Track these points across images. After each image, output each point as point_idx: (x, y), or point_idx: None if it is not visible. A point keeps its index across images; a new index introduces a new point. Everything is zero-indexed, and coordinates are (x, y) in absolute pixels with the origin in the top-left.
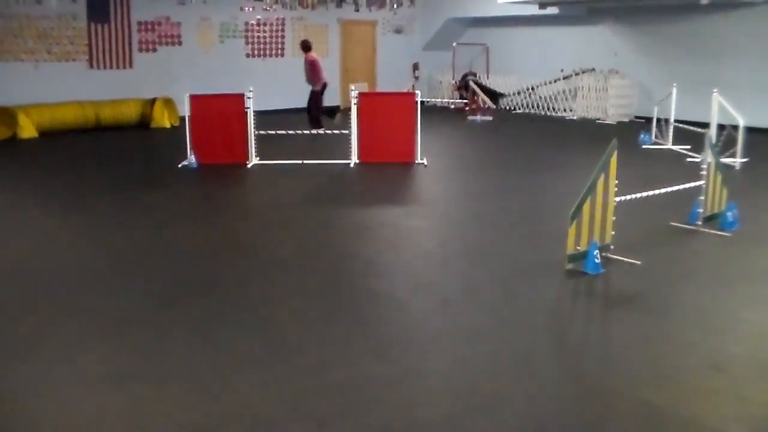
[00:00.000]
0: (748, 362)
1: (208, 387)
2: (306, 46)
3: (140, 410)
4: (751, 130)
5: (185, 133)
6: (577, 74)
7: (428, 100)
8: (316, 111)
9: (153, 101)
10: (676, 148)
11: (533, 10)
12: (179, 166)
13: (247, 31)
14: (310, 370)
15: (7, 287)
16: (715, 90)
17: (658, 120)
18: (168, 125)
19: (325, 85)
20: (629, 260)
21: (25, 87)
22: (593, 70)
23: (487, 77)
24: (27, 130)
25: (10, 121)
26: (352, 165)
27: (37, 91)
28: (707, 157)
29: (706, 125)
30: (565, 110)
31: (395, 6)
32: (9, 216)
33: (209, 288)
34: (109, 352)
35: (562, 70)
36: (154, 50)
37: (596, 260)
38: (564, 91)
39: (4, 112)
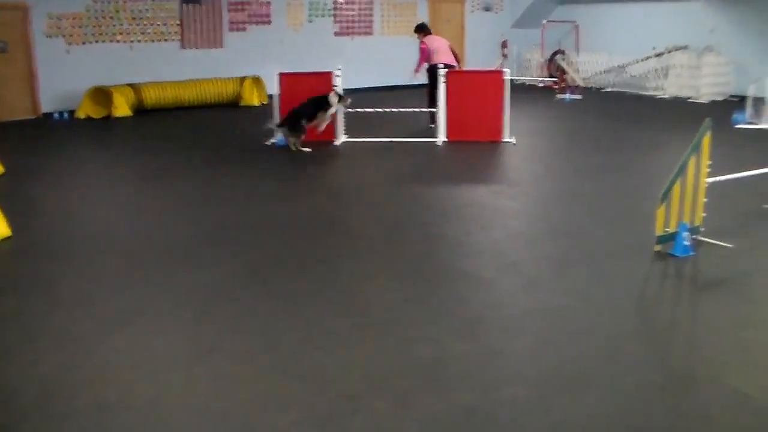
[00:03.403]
0: None
1: (293, 363)
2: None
3: (225, 384)
4: None
5: (274, 110)
6: (669, 52)
7: (517, 78)
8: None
9: (242, 80)
10: None
11: None
12: (268, 143)
13: (336, 9)
14: (395, 348)
15: (106, 260)
16: None
17: (754, 99)
18: (257, 103)
19: (431, 70)
20: (720, 243)
21: (121, 67)
22: (686, 47)
23: (578, 55)
24: (121, 109)
25: (105, 101)
26: (440, 143)
27: (132, 71)
28: None
29: None
30: (656, 89)
31: None
32: (104, 192)
33: (297, 265)
34: (197, 325)
35: (654, 48)
36: (245, 30)
37: (686, 242)
38: (656, 70)
39: (100, 92)
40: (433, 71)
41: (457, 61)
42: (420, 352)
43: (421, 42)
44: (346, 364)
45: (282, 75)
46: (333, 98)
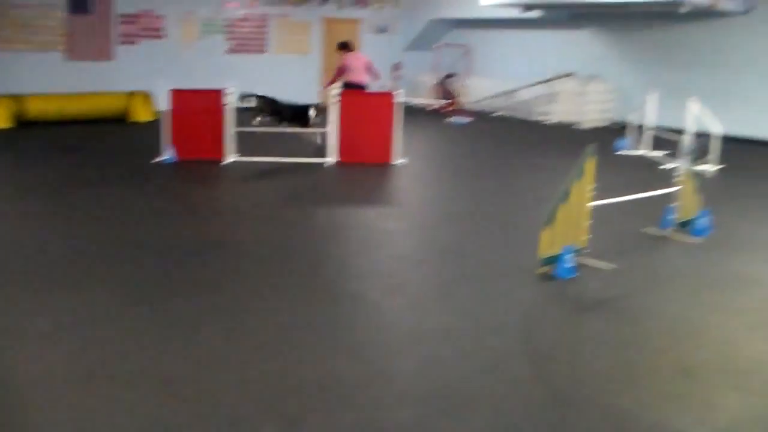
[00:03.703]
0: (716, 368)
1: (179, 386)
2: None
3: (109, 409)
4: (726, 139)
5: (163, 127)
6: (556, 79)
7: (409, 100)
8: None
9: (131, 95)
10: (651, 154)
11: (516, 13)
12: (155, 161)
13: (229, 26)
14: (282, 370)
15: None
16: (692, 98)
17: (635, 126)
18: (145, 119)
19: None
20: (602, 265)
21: (2, 77)
22: (573, 74)
23: (468, 79)
24: (2, 120)
25: None
26: (330, 164)
27: (14, 81)
28: (682, 164)
29: (682, 132)
30: (543, 114)
31: (379, 5)
32: None
33: (183, 286)
34: (78, 348)
35: (542, 75)
36: (135, 43)
37: (569, 264)
38: (543, 95)
39: None
40: (347, 89)
41: (377, 79)
42: (307, 374)
43: (341, 60)
44: (233, 387)
45: (173, 91)
46: (312, 113)
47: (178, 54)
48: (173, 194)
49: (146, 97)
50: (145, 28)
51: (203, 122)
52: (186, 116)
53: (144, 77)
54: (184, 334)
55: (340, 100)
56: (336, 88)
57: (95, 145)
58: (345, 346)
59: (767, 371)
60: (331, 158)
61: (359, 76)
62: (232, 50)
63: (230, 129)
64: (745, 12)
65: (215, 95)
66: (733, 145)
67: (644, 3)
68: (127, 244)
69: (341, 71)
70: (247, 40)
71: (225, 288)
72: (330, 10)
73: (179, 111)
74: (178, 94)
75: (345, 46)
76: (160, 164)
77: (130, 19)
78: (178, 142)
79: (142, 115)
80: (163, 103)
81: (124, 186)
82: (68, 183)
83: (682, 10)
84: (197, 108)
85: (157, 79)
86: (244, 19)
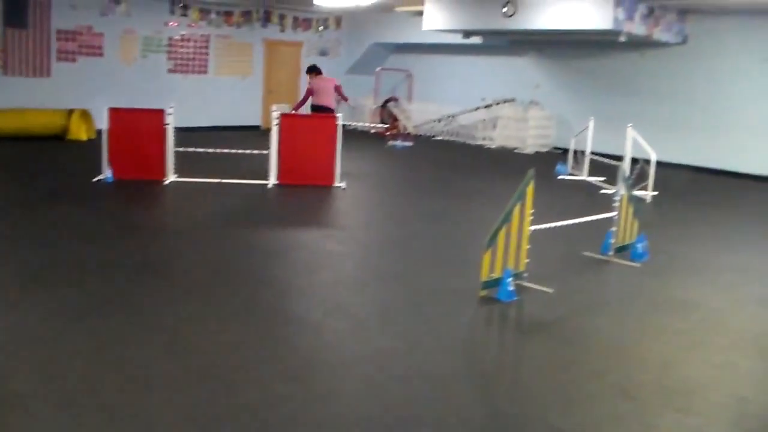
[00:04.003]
0: (654, 389)
1: (115, 408)
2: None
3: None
4: (662, 165)
5: (102, 146)
6: (497, 104)
7: (350, 123)
8: None
9: (70, 112)
10: (591, 179)
11: (457, 38)
12: (94, 180)
13: (170, 46)
14: (221, 392)
15: None
16: (629, 125)
17: (575, 152)
18: (84, 138)
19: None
20: (542, 288)
21: None
22: (514, 100)
23: (409, 103)
24: None
25: None
26: (270, 186)
27: None
28: (620, 190)
29: (620, 158)
30: (484, 139)
31: (321, 28)
32: None
33: (120, 306)
34: (12, 369)
35: (483, 99)
36: (74, 60)
37: (510, 288)
38: (484, 120)
39: None
40: (314, 111)
41: (344, 100)
42: (247, 396)
43: (309, 83)
44: (171, 409)
45: (111, 110)
46: None
47: (118, 72)
48: (112, 214)
49: (85, 114)
50: (83, 45)
51: (143, 142)
52: (126, 135)
53: (83, 95)
54: (121, 354)
55: (280, 122)
56: (299, 111)
57: (32, 163)
58: (286, 369)
59: (705, 392)
60: (272, 180)
61: (326, 99)
62: (174, 70)
63: (170, 149)
64: (683, 42)
65: (156, 115)
66: (669, 172)
67: (582, 32)
68: (64, 264)
69: (308, 94)
70: (189, 61)
71: (164, 309)
72: (272, 32)
73: (118, 130)
74: (117, 113)
75: (313, 69)
76: (99, 184)
77: (68, 35)
78: (117, 162)
79: (81, 133)
80: (103, 121)
81: (61, 205)
82: (2, 202)
83: (621, 39)
84: (137, 127)
85: (96, 97)
86: (186, 39)
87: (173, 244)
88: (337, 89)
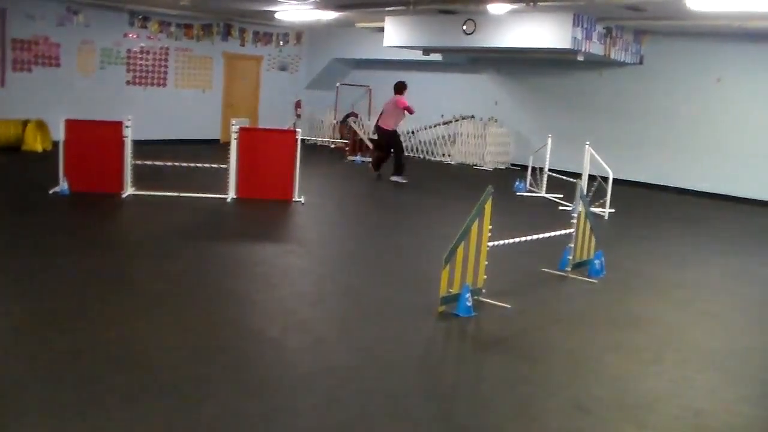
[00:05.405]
0: (611, 403)
1: (72, 425)
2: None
3: None
4: (619, 182)
5: (58, 158)
6: (457, 120)
7: (309, 138)
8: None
9: (25, 123)
10: (549, 196)
11: (417, 55)
12: (50, 192)
13: (129, 58)
14: (180, 407)
15: None
16: (587, 142)
17: (533, 169)
18: (40, 149)
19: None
20: (500, 304)
21: None
22: (473, 117)
23: (369, 119)
24: None
25: None
26: (229, 200)
27: None
28: (578, 206)
29: (577, 175)
30: (443, 155)
31: (281, 43)
32: None
33: (76, 321)
34: None
35: (442, 116)
36: (30, 70)
37: (468, 303)
38: (443, 137)
39: None
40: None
41: (410, 111)
42: (206, 412)
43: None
44: (128, 425)
45: (68, 121)
46: None
47: (75, 83)
48: (68, 227)
49: (41, 125)
50: (39, 55)
51: (101, 154)
52: (83, 147)
53: (39, 105)
54: (76, 370)
55: (239, 136)
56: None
57: None
58: (245, 384)
59: (661, 405)
60: (231, 194)
61: (385, 121)
62: (133, 82)
63: (128, 161)
64: (640, 62)
65: (114, 127)
66: (626, 189)
67: (541, 51)
68: (17, 278)
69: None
70: (148, 73)
71: (120, 325)
72: (232, 46)
73: (75, 142)
74: (74, 125)
75: (397, 88)
76: (54, 196)
77: (24, 44)
78: (74, 174)
79: (36, 144)
80: (60, 132)
81: (15, 218)
82: None
83: (579, 58)
84: (94, 139)
85: (53, 108)
86: (145, 52)
87: (130, 258)
88: (399, 104)
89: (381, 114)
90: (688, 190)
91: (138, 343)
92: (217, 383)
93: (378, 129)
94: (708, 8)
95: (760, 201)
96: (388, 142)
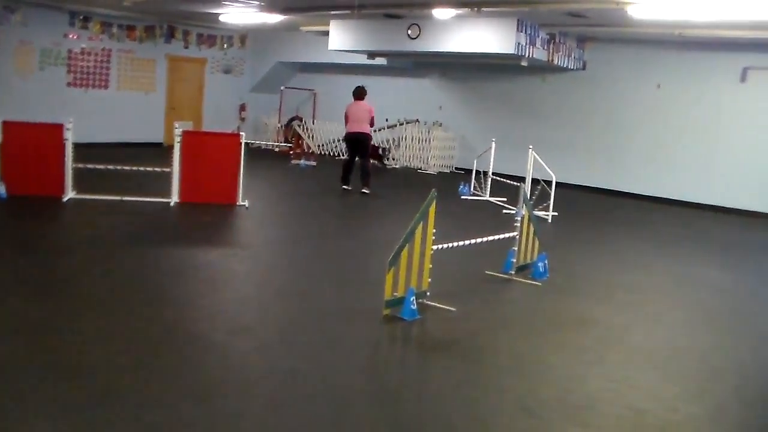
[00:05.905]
0: (557, 405)
1: None
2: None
3: None
4: (562, 186)
5: None
6: (401, 124)
7: (253, 142)
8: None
9: None
10: (493, 199)
11: (362, 59)
12: None
13: (70, 59)
14: (124, 414)
15: None
16: (530, 146)
17: (477, 172)
18: None
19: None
20: (445, 307)
21: None
22: (417, 121)
23: (313, 122)
24: None
25: None
26: (172, 204)
27: None
28: (521, 210)
29: (521, 179)
30: (388, 159)
31: (225, 46)
32: None
33: (12, 329)
34: None
35: (386, 120)
36: None
37: (413, 306)
38: (388, 140)
39: None
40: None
41: (371, 125)
42: (151, 418)
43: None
44: None
45: (5, 123)
46: None
47: (13, 84)
48: (5, 231)
49: None
50: None
51: (40, 157)
52: (21, 150)
53: None
54: (15, 378)
55: (183, 140)
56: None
57: None
58: (190, 389)
59: (605, 406)
60: (174, 197)
61: (356, 126)
62: (73, 84)
63: (69, 165)
64: (582, 68)
65: (54, 129)
66: (569, 193)
67: (486, 56)
68: None
69: (346, 120)
70: (89, 75)
71: (61, 331)
72: (176, 48)
73: (14, 144)
74: (12, 126)
75: (354, 93)
76: None
77: None
78: (12, 177)
79: None
80: None
81: None
82: None
83: (523, 63)
84: (34, 142)
85: None
86: (87, 53)
87: (71, 263)
88: (369, 112)
89: (350, 121)
90: (630, 193)
91: (78, 350)
92: (161, 389)
93: (355, 135)
94: (648, 16)
95: (699, 204)
96: (368, 146)
